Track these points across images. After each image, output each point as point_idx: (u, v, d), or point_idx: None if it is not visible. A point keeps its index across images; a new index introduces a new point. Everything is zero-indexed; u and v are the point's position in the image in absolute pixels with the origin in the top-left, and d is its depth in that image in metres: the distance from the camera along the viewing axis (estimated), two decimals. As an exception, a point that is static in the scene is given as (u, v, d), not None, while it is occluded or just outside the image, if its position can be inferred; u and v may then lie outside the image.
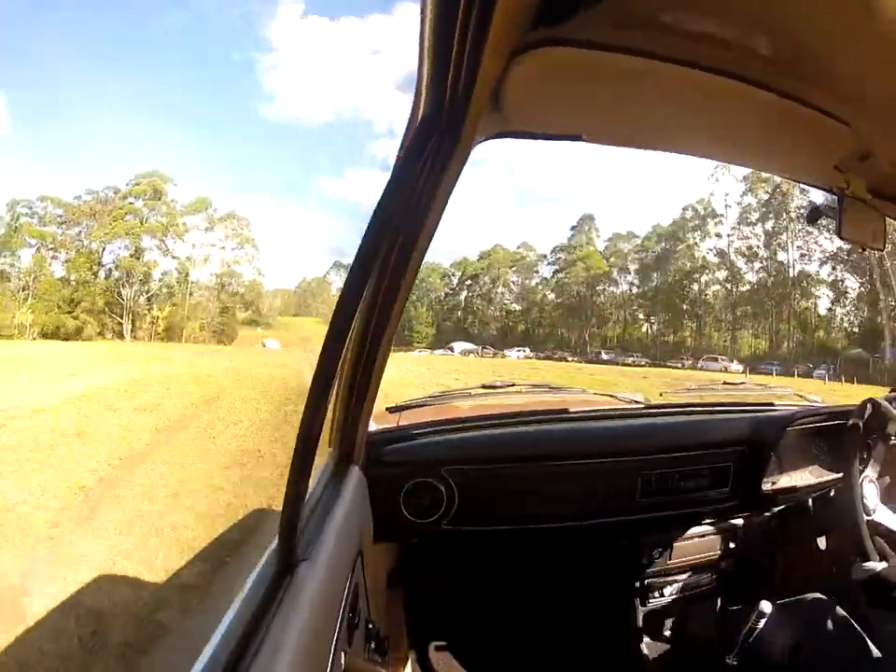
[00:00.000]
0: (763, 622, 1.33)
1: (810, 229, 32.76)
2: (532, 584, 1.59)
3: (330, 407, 1.06)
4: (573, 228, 40.51)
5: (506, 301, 42.08)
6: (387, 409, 1.60)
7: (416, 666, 1.52)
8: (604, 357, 34.35)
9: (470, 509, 1.40)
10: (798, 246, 33.66)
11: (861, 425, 1.49)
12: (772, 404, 1.79)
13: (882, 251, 1.14)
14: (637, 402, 1.70)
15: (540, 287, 41.60)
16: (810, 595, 1.39)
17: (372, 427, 1.40)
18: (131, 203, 34.93)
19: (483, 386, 1.59)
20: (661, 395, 1.73)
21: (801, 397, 1.85)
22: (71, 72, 41.41)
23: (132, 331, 34.94)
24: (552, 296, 40.70)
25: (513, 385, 1.61)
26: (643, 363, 32.59)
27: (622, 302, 39.06)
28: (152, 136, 44.51)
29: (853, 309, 32.67)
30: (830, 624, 1.30)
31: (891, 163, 1.01)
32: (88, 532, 4.50)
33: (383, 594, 1.41)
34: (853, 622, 1.30)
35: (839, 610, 1.33)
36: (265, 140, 47.02)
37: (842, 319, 33.01)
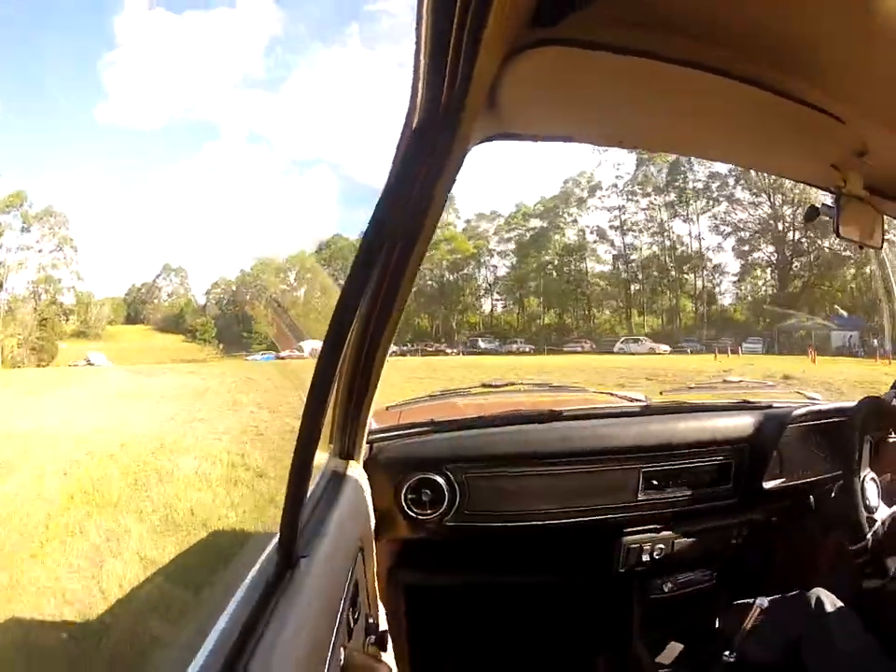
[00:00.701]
0: (760, 618, 1.34)
1: (713, 201, 31.32)
2: (532, 580, 1.60)
3: (331, 406, 1.07)
4: (429, 209, 37.74)
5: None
6: (387, 407, 1.62)
7: (417, 661, 1.53)
8: (482, 345, 30.16)
9: (472, 505, 1.42)
10: (711, 216, 31.64)
11: (861, 422, 1.50)
12: (773, 403, 1.80)
13: (880, 248, 1.14)
14: (637, 401, 1.71)
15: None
16: (810, 590, 1.39)
17: (373, 425, 1.41)
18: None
19: (484, 385, 1.60)
20: (661, 393, 1.74)
21: (801, 394, 1.86)
22: None
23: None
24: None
25: (513, 384, 1.62)
26: (527, 350, 28.99)
27: (488, 286, 36.12)
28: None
29: (764, 281, 30.87)
30: (829, 619, 1.31)
31: (888, 160, 1.00)
32: None
33: (384, 589, 1.42)
34: (853, 616, 1.31)
35: (839, 605, 1.33)
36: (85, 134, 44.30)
37: (750, 291, 30.82)
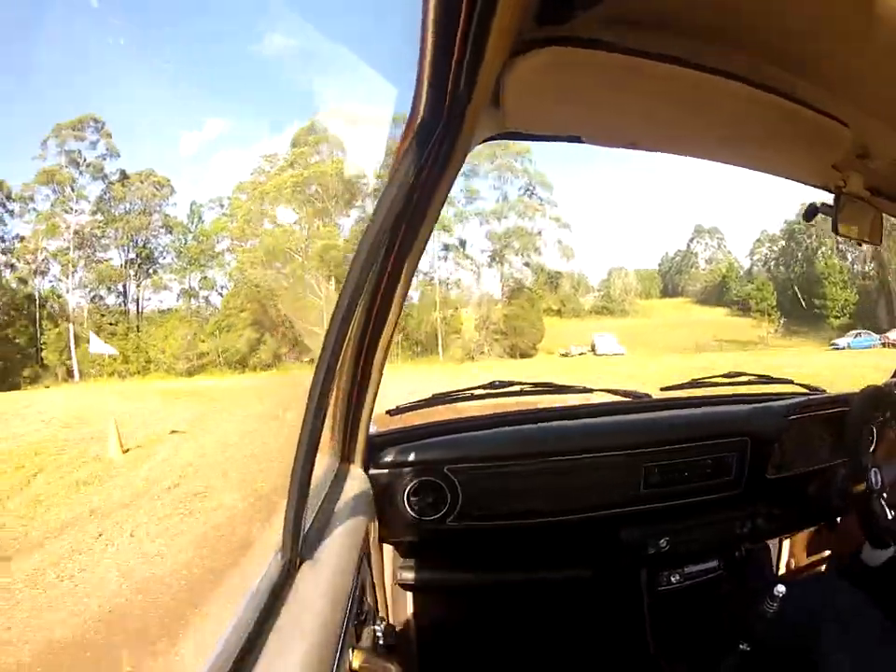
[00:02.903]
0: (775, 605, 1.33)
1: None
2: (538, 577, 1.59)
3: (331, 409, 1.07)
4: None
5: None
6: (388, 411, 1.59)
7: (426, 661, 1.53)
8: None
9: (475, 505, 1.41)
10: None
11: (863, 411, 1.51)
12: (774, 395, 1.81)
13: (879, 245, 1.16)
14: (639, 397, 1.70)
15: None
16: (824, 577, 1.39)
17: (373, 429, 1.40)
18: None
19: (485, 386, 1.57)
20: (661, 389, 1.74)
21: (803, 386, 1.86)
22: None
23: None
24: None
25: (515, 385, 1.60)
26: None
27: None
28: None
29: None
30: (842, 605, 1.32)
31: (890, 161, 1.01)
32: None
33: (390, 591, 1.42)
34: (869, 601, 1.31)
35: (855, 590, 1.34)
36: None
37: None
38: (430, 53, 0.61)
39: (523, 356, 22.29)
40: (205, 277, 26.51)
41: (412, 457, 1.40)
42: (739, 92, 0.77)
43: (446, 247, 25.60)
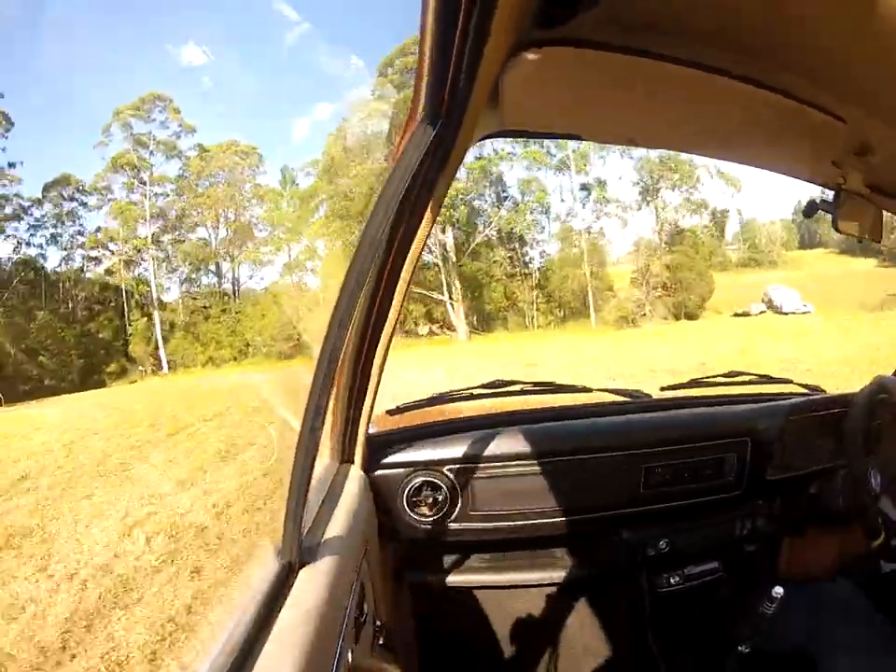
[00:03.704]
0: (775, 607, 1.33)
1: None
2: (538, 578, 1.60)
3: (330, 409, 1.08)
4: None
5: None
6: (387, 411, 1.56)
7: (426, 662, 1.54)
8: None
9: (475, 506, 1.42)
10: None
11: (864, 411, 1.49)
12: (774, 395, 1.78)
13: (879, 241, 1.12)
14: (638, 397, 1.68)
15: None
16: (823, 579, 1.38)
17: (373, 429, 1.40)
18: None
19: (485, 386, 1.54)
20: (661, 389, 1.71)
21: (803, 386, 1.82)
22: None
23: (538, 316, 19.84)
24: None
25: (515, 384, 1.62)
26: None
27: None
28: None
29: None
30: (843, 608, 1.31)
31: (889, 158, 0.99)
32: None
33: (389, 592, 1.42)
34: (867, 603, 1.30)
35: (852, 593, 1.33)
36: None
37: None
38: (430, 53, 0.62)
39: (688, 317, 18.59)
40: (307, 246, 23.70)
41: (412, 457, 1.40)
42: (736, 90, 0.76)
43: (585, 187, 21.41)
